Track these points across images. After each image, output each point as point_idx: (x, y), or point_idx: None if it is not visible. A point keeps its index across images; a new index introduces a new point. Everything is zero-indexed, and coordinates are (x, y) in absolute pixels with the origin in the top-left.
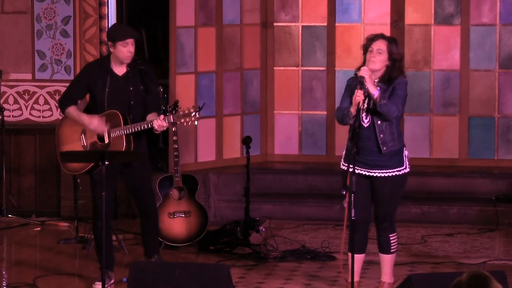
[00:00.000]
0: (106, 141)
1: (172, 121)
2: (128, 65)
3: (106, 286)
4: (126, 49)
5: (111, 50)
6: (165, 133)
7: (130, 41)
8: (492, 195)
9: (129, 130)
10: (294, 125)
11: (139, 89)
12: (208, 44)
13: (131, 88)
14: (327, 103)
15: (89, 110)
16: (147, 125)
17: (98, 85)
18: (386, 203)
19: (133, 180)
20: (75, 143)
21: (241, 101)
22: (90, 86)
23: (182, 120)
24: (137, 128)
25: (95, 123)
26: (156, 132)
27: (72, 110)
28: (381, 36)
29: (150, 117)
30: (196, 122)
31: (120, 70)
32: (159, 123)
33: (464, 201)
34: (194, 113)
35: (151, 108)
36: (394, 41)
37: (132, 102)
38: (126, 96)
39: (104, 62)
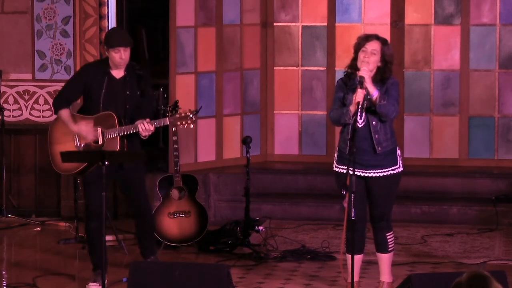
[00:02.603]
0: (100, 142)
1: (168, 123)
2: (126, 69)
3: None
4: (117, 56)
5: (106, 54)
6: (165, 133)
7: (122, 48)
8: (492, 195)
9: (123, 132)
10: (294, 125)
11: (135, 93)
12: (208, 44)
13: (128, 92)
14: (327, 103)
15: (85, 110)
16: (134, 129)
17: (95, 86)
18: (382, 202)
19: (127, 182)
20: (68, 143)
21: (241, 101)
22: (86, 87)
23: (178, 123)
24: (126, 131)
25: (84, 131)
26: (143, 137)
27: (64, 113)
28: (375, 37)
29: (139, 122)
30: (192, 126)
31: (117, 73)
32: (143, 126)
33: (464, 201)
34: (190, 116)
35: (143, 114)
36: (387, 43)
37: (127, 106)
38: (122, 99)
39: (102, 63)
